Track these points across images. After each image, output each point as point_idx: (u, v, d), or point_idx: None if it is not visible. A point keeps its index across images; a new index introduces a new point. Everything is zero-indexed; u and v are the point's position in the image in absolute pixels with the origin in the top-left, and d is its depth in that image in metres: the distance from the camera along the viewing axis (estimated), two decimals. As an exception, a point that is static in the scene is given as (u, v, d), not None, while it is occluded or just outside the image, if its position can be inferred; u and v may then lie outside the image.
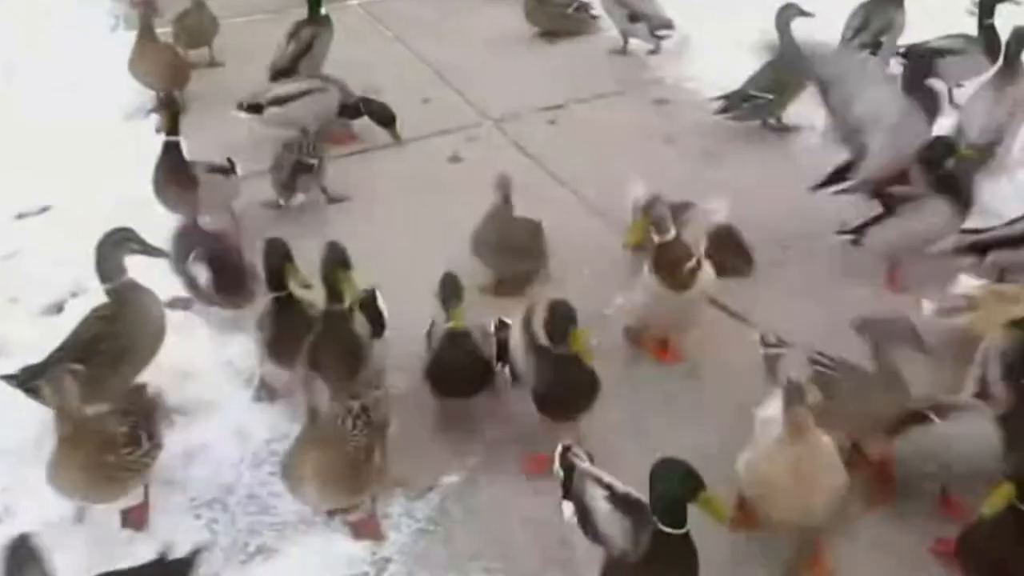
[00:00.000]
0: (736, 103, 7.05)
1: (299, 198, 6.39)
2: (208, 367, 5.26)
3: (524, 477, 4.61)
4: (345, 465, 4.17)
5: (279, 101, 6.94)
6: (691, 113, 7.43)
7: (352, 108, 7.09)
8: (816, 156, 6.78)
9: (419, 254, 5.98)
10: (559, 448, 4.28)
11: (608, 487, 3.99)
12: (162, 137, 5.97)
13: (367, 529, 4.44)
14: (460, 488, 4.66)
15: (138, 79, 7.44)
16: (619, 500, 3.93)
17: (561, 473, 4.18)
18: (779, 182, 6.62)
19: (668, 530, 3.57)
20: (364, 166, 6.88)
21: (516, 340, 4.79)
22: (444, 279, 4.81)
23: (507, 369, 4.85)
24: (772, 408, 4.18)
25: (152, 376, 4.94)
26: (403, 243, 6.15)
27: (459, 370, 4.75)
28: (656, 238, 5.01)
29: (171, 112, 5.95)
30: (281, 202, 6.36)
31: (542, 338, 4.66)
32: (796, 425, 3.90)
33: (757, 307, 5.59)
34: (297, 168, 6.36)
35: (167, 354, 5.01)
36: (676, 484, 3.57)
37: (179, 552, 4.03)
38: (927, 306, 5.19)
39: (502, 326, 4.99)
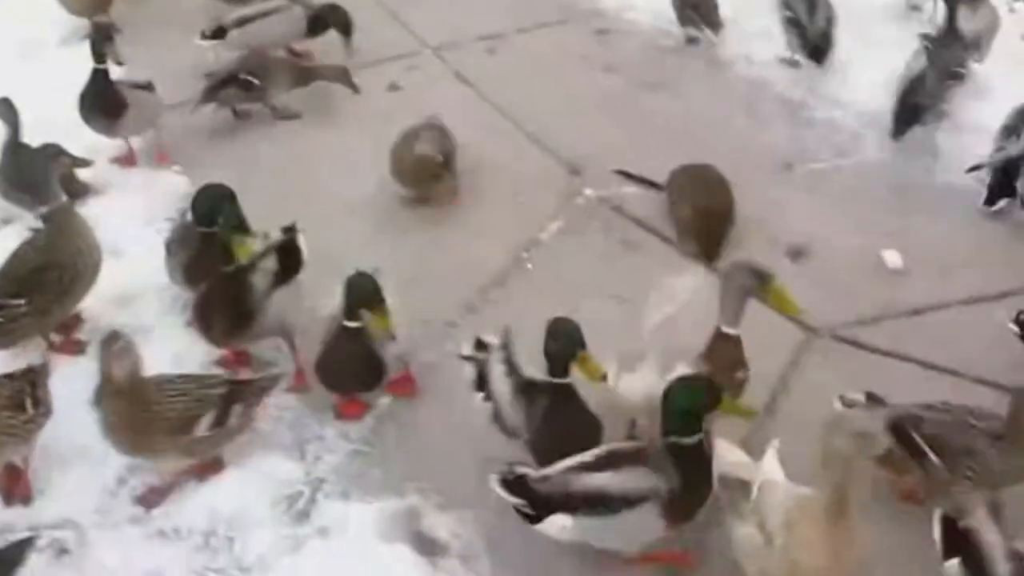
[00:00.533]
0: None
1: (209, 107, 6.41)
2: (143, 292, 5.24)
3: (457, 397, 4.56)
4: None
5: (243, 22, 6.82)
6: (632, 43, 7.41)
7: (320, 20, 6.98)
8: (755, 87, 6.87)
9: (352, 181, 6.00)
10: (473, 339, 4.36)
11: (513, 371, 4.14)
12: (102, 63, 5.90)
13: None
14: (394, 409, 4.70)
15: (64, 5, 7.31)
16: (522, 384, 4.12)
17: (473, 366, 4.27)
18: (718, 112, 6.65)
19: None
20: (304, 92, 6.80)
21: (497, 372, 4.27)
22: (350, 283, 4.42)
23: (488, 403, 4.28)
24: (772, 467, 3.87)
25: (87, 304, 4.95)
26: (338, 169, 6.12)
27: (349, 367, 4.55)
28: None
29: (102, 36, 5.88)
30: (192, 106, 6.38)
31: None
32: (842, 502, 3.52)
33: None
34: (226, 81, 6.36)
35: (101, 280, 4.97)
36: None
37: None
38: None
39: (480, 347, 4.38)
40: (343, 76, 6.62)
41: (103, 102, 5.90)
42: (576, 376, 4.05)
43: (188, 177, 6.02)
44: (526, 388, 4.15)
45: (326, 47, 7.06)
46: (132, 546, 4.11)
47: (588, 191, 5.92)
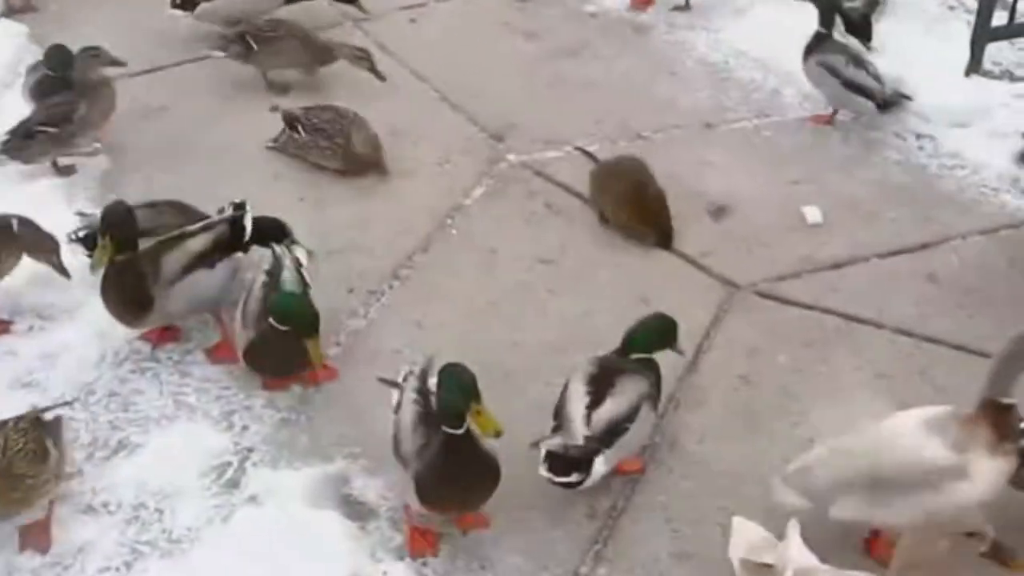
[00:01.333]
0: None
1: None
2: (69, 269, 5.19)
3: (382, 363, 4.60)
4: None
5: None
6: (553, 10, 7.41)
7: None
8: (676, 50, 6.92)
9: (278, 153, 5.98)
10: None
11: (422, 400, 3.97)
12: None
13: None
14: (322, 377, 4.72)
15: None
16: (424, 415, 3.92)
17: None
18: (640, 75, 6.69)
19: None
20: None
21: (407, 397, 4.04)
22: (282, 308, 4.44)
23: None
24: (801, 552, 3.47)
25: (13, 281, 4.90)
26: (262, 141, 6.07)
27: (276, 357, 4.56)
28: None
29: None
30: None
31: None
32: None
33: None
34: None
35: (24, 260, 4.92)
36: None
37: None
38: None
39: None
40: (365, 60, 6.34)
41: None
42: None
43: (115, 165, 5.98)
44: (427, 420, 3.88)
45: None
46: (60, 522, 4.07)
47: (511, 156, 5.94)
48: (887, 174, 5.83)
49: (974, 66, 6.58)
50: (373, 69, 6.26)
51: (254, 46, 6.35)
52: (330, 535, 4.02)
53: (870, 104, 6.02)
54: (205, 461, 4.33)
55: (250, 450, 4.39)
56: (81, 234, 4.98)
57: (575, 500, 4.11)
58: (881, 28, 6.78)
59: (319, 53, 6.44)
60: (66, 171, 5.82)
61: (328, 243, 5.24)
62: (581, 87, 6.56)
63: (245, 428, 4.48)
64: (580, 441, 3.93)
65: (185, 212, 5.08)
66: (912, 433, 3.61)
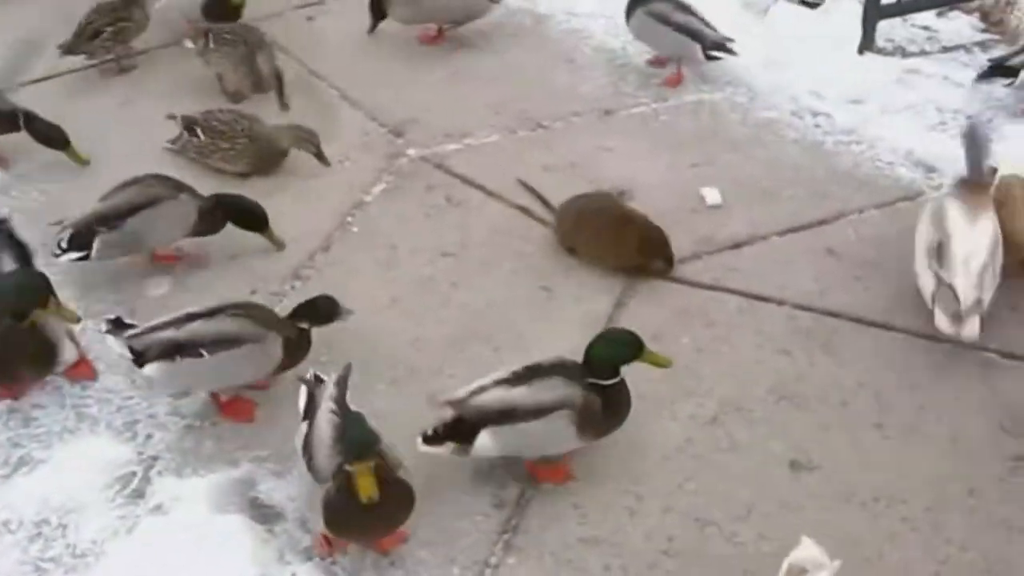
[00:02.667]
0: None
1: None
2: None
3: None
4: None
5: None
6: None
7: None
8: (574, 38, 6.94)
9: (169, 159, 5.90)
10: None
11: (341, 416, 3.88)
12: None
13: None
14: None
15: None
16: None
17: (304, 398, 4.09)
18: (538, 65, 6.71)
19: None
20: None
21: (324, 412, 3.92)
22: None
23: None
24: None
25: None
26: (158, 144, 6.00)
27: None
28: None
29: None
30: None
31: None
32: None
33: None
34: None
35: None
36: None
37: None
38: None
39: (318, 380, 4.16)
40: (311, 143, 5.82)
41: None
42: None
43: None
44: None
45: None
46: (-40, 542, 4.02)
47: (411, 151, 5.93)
48: (784, 153, 5.89)
49: (867, 44, 6.68)
50: (320, 154, 5.83)
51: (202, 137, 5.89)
52: (238, 539, 3.99)
53: (698, 47, 6.23)
54: (109, 473, 4.28)
55: (155, 459, 4.34)
56: (64, 244, 4.96)
57: (482, 490, 4.12)
58: (776, 8, 6.87)
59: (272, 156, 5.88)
60: None
61: (231, 246, 5.20)
62: (480, 79, 6.56)
63: (149, 437, 4.43)
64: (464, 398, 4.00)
65: (165, 183, 5.12)
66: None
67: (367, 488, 3.50)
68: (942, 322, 4.46)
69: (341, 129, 6.13)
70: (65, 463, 4.32)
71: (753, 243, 5.30)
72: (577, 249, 5.17)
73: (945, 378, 4.55)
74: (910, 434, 4.33)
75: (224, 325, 4.30)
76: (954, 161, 5.25)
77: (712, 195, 5.54)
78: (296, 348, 4.39)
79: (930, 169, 5.74)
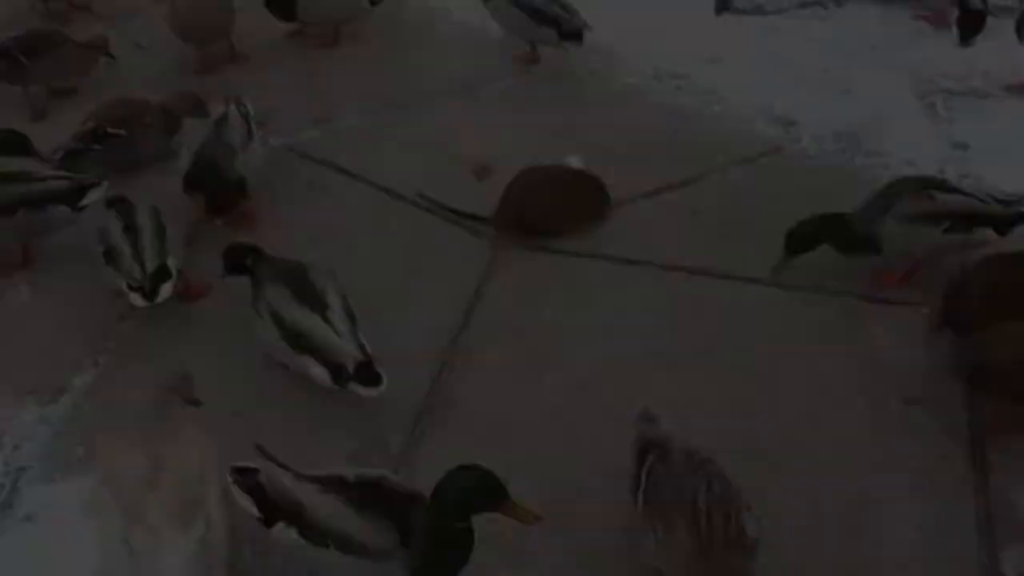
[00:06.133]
0: None
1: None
2: None
3: (161, 365, 4.50)
4: None
5: None
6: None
7: None
8: (433, 16, 6.93)
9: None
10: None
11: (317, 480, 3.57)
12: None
13: None
14: (95, 386, 4.58)
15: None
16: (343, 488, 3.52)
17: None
18: (397, 45, 6.73)
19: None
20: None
21: None
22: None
23: None
24: None
25: None
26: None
27: None
28: None
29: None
30: None
31: None
32: None
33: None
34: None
35: None
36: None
37: None
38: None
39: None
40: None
41: None
42: None
43: None
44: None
45: None
46: None
47: (272, 142, 5.86)
48: (646, 116, 5.94)
49: (723, 5, 6.77)
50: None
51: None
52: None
53: (554, 32, 6.19)
54: (-24, 485, 4.19)
55: (23, 468, 4.25)
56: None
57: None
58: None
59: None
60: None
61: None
62: (340, 63, 6.54)
63: (16, 448, 4.34)
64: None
65: None
66: None
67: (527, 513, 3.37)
68: None
69: (202, 122, 6.01)
70: (-70, 481, 4.22)
71: (619, 207, 5.33)
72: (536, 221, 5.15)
73: (811, 326, 4.62)
74: (779, 383, 4.38)
75: None
76: (812, 114, 5.33)
77: (576, 162, 5.55)
78: None
79: (789, 123, 5.84)
